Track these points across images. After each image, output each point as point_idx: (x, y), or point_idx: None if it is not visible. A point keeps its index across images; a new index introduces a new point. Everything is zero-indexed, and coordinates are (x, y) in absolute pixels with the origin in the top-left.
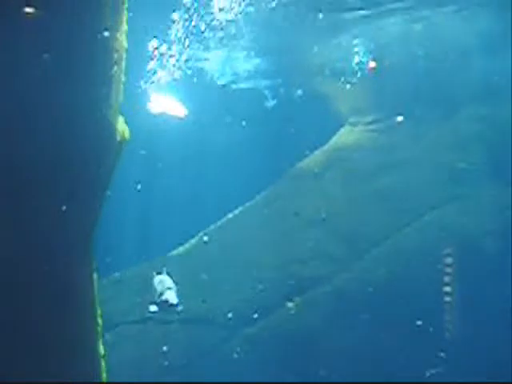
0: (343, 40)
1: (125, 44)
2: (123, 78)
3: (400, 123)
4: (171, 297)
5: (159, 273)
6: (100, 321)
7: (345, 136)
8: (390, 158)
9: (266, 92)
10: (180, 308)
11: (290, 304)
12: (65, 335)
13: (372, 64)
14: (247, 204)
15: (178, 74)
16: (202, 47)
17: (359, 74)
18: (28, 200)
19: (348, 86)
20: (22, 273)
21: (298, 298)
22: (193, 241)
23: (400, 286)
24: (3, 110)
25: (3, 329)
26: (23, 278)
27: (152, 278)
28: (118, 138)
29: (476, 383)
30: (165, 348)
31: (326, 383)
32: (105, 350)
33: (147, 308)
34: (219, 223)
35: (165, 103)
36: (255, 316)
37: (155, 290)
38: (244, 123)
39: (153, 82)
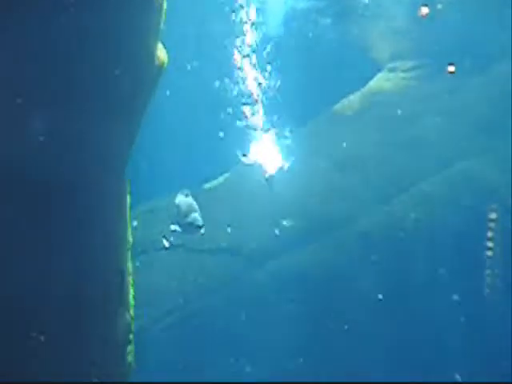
0: None
1: None
2: (165, 6)
3: (437, 72)
4: (196, 219)
5: (186, 195)
6: (131, 239)
7: (382, 81)
8: (425, 106)
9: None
10: (203, 231)
11: (314, 242)
12: (96, 248)
13: (424, 10)
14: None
15: None
16: None
17: (401, 20)
18: (64, 119)
19: (389, 31)
20: (57, 189)
21: (322, 237)
22: (226, 175)
23: (424, 233)
24: None
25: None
26: (58, 193)
27: (176, 200)
28: (157, 63)
29: (477, 383)
30: (190, 274)
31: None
32: (133, 270)
33: (170, 229)
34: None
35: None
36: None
37: (180, 211)
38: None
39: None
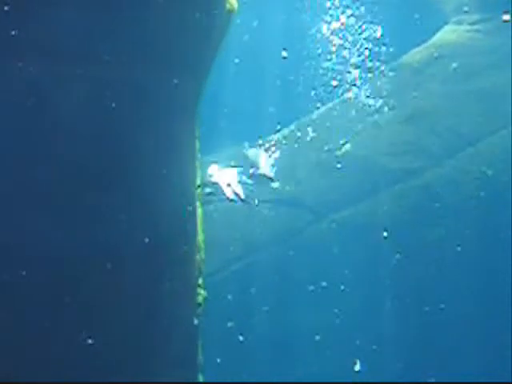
0: None
1: None
2: None
3: (505, 25)
4: (269, 170)
5: (258, 147)
6: (199, 182)
7: (448, 34)
8: (492, 59)
9: None
10: (275, 184)
11: (378, 194)
12: (170, 188)
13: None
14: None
15: None
16: None
17: None
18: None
19: None
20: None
21: (387, 189)
22: (292, 127)
23: (490, 189)
24: None
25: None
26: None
27: (247, 151)
28: (228, 8)
29: (477, 383)
30: (253, 226)
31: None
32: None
33: (241, 179)
34: (318, 112)
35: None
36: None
37: (251, 162)
38: None
39: None
